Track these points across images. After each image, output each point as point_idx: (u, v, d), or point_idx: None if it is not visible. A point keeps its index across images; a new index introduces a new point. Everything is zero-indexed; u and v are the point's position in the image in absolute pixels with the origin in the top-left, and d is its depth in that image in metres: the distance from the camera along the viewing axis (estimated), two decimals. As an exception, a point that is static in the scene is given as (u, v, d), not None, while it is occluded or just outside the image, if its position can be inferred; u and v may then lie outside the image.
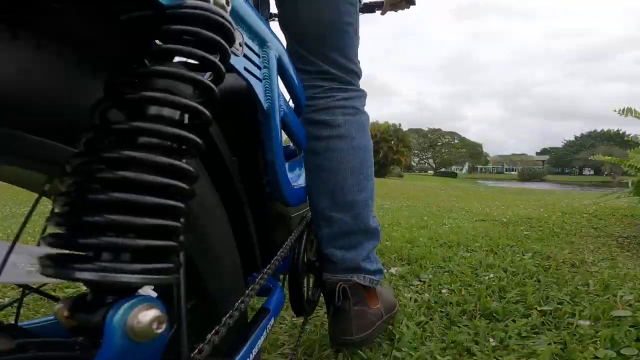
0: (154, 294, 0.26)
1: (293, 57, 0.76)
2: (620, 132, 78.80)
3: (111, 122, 0.24)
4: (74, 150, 0.26)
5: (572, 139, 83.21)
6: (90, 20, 0.27)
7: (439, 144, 68.60)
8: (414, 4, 1.13)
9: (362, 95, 0.85)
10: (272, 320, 0.64)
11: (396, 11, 1.17)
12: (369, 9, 1.16)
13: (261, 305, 0.62)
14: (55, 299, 0.29)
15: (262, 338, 0.57)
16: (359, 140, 0.81)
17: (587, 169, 75.74)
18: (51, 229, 0.23)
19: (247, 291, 0.50)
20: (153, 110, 0.25)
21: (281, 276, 0.91)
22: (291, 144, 0.92)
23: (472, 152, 69.85)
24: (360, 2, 0.84)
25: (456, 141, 70.18)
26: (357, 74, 0.84)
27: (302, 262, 0.83)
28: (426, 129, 71.03)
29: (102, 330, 0.22)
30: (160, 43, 0.27)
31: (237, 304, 0.45)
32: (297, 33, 0.79)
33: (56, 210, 0.24)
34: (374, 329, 0.86)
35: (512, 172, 76.00)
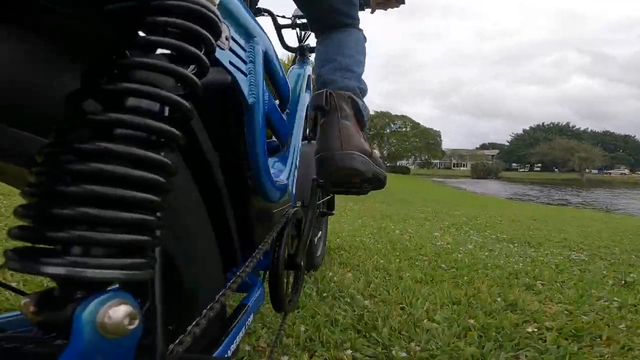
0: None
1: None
2: (570, 125, 77.80)
3: (86, 113, 0.23)
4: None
5: (519, 132, 79.95)
6: (73, 10, 0.26)
7: (388, 131, 53.38)
8: (403, 2, 1.13)
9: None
10: (252, 316, 0.64)
11: (385, 9, 1.17)
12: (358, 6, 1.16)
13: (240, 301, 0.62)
14: (22, 293, 0.28)
15: (241, 334, 0.57)
16: (360, 34, 0.97)
17: (536, 165, 74.11)
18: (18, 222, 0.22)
19: (226, 287, 0.50)
20: (131, 102, 0.24)
21: (261, 272, 0.91)
22: (274, 139, 0.91)
23: (429, 143, 54.30)
24: None
25: (408, 128, 54.02)
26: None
27: (283, 259, 0.83)
28: (373, 112, 50.76)
29: (70, 326, 0.21)
30: (144, 35, 0.26)
31: (215, 299, 0.45)
32: None
33: (24, 202, 0.23)
34: (362, 155, 0.82)
35: (462, 168, 70.26)
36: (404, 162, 55.93)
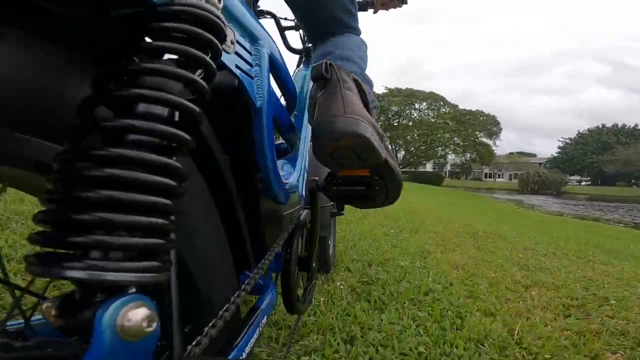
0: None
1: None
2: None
3: (100, 120, 0.24)
4: (62, 148, 0.26)
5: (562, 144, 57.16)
6: (80, 17, 0.27)
7: (406, 115, 32.55)
8: (406, 2, 1.13)
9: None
10: (265, 318, 0.64)
11: (387, 10, 1.17)
12: (361, 7, 1.16)
13: (253, 303, 0.62)
14: (43, 298, 0.29)
15: (255, 336, 0.57)
16: (360, 39, 0.92)
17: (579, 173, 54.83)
18: (38, 228, 0.23)
19: (240, 290, 0.50)
20: (142, 107, 0.25)
21: (274, 274, 0.91)
22: (283, 142, 0.92)
23: (475, 139, 32.34)
24: None
25: (442, 111, 32.32)
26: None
27: (295, 260, 0.83)
28: (393, 88, 32.74)
29: (91, 329, 0.21)
30: (151, 40, 0.27)
31: (229, 302, 0.45)
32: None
33: (43, 209, 0.23)
34: (369, 124, 0.66)
35: (499, 179, 53.72)
36: (425, 167, 35.46)
